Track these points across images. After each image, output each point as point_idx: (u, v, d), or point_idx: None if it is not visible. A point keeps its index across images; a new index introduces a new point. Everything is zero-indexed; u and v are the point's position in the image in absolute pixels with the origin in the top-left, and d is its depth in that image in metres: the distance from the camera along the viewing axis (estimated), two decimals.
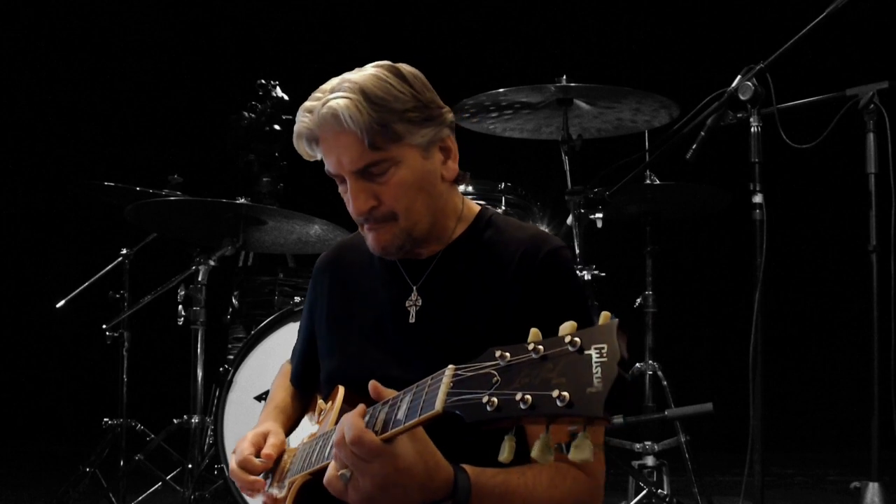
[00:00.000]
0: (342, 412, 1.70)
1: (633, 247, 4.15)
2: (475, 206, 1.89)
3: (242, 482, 1.79)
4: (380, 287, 1.87)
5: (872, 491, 2.92)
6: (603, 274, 3.65)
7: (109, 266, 4.16)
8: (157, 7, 6.58)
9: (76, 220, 6.45)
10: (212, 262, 3.62)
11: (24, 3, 6.59)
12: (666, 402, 3.73)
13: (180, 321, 3.64)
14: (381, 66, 1.73)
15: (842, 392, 5.50)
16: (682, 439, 3.64)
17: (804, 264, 6.10)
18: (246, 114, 4.21)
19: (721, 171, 4.49)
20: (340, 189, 1.78)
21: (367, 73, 1.71)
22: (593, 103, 3.84)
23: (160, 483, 4.18)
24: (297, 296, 3.96)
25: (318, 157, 1.77)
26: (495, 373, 1.19)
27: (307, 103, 1.73)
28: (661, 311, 3.98)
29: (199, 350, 3.65)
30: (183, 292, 3.60)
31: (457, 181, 1.83)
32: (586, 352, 1.11)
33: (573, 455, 1.11)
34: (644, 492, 3.59)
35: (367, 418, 1.45)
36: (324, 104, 1.68)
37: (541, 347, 1.16)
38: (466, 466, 1.53)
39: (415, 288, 1.82)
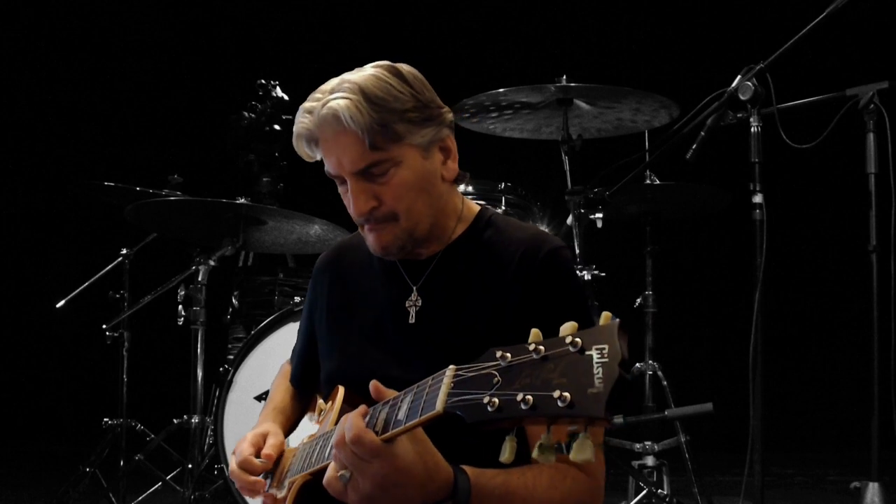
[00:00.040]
0: (342, 412, 1.70)
1: (633, 247, 4.15)
2: (475, 206, 1.89)
3: (243, 483, 1.79)
4: (380, 287, 1.87)
5: (872, 491, 2.92)
6: (603, 274, 3.65)
7: (109, 266, 4.16)
8: (157, 7, 6.58)
9: (76, 220, 6.45)
10: (212, 262, 3.62)
11: (24, 3, 6.59)
12: (666, 402, 3.73)
13: (180, 321, 3.64)
14: (381, 67, 1.73)
15: (842, 392, 5.50)
16: (682, 439, 3.64)
17: (804, 264, 6.10)
18: (246, 114, 4.21)
19: (721, 171, 4.49)
20: (340, 190, 1.78)
21: (366, 73, 1.71)
22: (593, 103, 3.84)
23: (160, 483, 4.18)
24: (297, 296, 3.96)
25: (318, 157, 1.77)
26: (496, 373, 1.19)
27: (306, 104, 1.72)
28: (661, 311, 3.98)
29: (199, 350, 3.65)
30: (183, 292, 3.60)
31: (456, 181, 1.82)
32: (587, 352, 1.11)
33: (575, 455, 1.11)
34: (644, 492, 3.59)
35: (367, 418, 1.45)
36: (324, 105, 1.68)
37: (542, 348, 1.16)
38: (466, 467, 1.53)
39: (415, 288, 1.82)
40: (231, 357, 3.69)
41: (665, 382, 3.79)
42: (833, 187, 5.70)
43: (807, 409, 5.97)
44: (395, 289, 1.84)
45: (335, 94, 1.67)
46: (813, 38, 2.87)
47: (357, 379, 1.70)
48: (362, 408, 1.46)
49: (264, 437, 1.85)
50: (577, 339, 1.12)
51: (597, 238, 3.72)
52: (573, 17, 6.35)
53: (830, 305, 6.04)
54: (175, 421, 3.80)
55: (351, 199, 1.74)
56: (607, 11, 6.28)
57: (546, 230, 3.39)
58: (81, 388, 6.47)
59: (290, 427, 1.97)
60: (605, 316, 1.14)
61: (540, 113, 3.92)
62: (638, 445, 3.80)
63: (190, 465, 3.56)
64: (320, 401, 1.89)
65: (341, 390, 1.78)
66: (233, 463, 1.81)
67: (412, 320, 1.80)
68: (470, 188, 3.64)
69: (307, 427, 1.89)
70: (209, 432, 3.61)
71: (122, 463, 4.04)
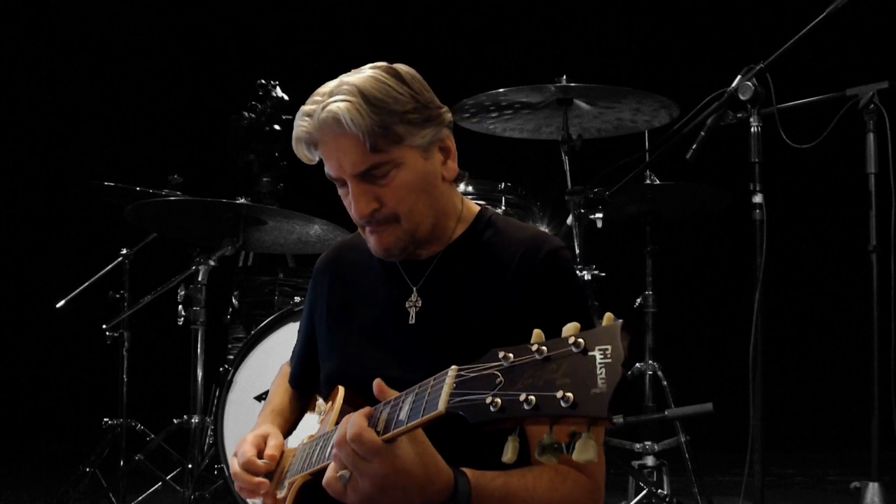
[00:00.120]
0: (342, 413, 1.70)
1: (633, 247, 4.15)
2: (475, 206, 1.89)
3: (247, 484, 1.78)
4: (380, 287, 1.87)
5: (872, 491, 2.92)
6: (603, 274, 3.65)
7: (109, 266, 4.16)
8: (157, 7, 6.58)
9: (76, 220, 6.45)
10: (212, 262, 3.62)
11: (24, 3, 6.59)
12: (666, 402, 3.73)
13: (180, 321, 3.64)
14: (379, 68, 1.73)
15: (842, 392, 5.50)
16: (682, 439, 3.64)
17: (804, 264, 6.10)
18: (246, 114, 4.21)
19: (721, 171, 4.49)
20: (341, 192, 1.78)
21: (365, 75, 1.70)
22: (593, 103, 3.84)
23: (160, 483, 4.18)
24: (297, 296, 3.96)
25: (318, 160, 1.77)
26: (499, 373, 1.19)
27: (306, 107, 1.72)
28: (661, 311, 3.98)
29: (199, 350, 3.65)
30: (183, 292, 3.60)
31: (456, 181, 1.82)
32: (590, 353, 1.11)
33: (577, 456, 1.11)
34: (644, 492, 3.59)
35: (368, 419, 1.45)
36: (323, 108, 1.67)
37: (544, 348, 1.16)
38: (466, 470, 1.53)
39: (415, 289, 1.82)
40: (231, 357, 3.69)
41: (665, 382, 3.79)
42: (833, 187, 5.70)
43: (807, 409, 5.97)
44: (395, 289, 1.84)
45: (335, 97, 1.67)
46: (813, 38, 2.87)
47: (357, 379, 1.70)
48: (367, 409, 1.46)
49: (265, 438, 1.85)
50: (580, 340, 1.12)
51: (597, 238, 3.72)
52: (573, 17, 6.35)
53: (830, 305, 6.04)
54: (175, 421, 3.80)
55: (352, 201, 1.73)
56: (607, 11, 6.28)
57: (546, 230, 3.41)
58: (81, 388, 6.47)
59: (288, 429, 1.97)
60: (608, 317, 1.14)
61: (540, 113, 3.92)
62: (638, 445, 3.80)
63: (190, 465, 3.56)
64: (320, 401, 1.89)
65: (341, 391, 1.78)
66: (234, 464, 1.80)
67: (412, 321, 1.80)
68: (470, 188, 3.64)
69: (307, 427, 1.89)
70: (209, 432, 3.61)
71: (122, 463, 4.04)
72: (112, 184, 4.10)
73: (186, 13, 6.54)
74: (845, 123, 2.98)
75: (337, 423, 1.65)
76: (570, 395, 1.10)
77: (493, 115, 3.93)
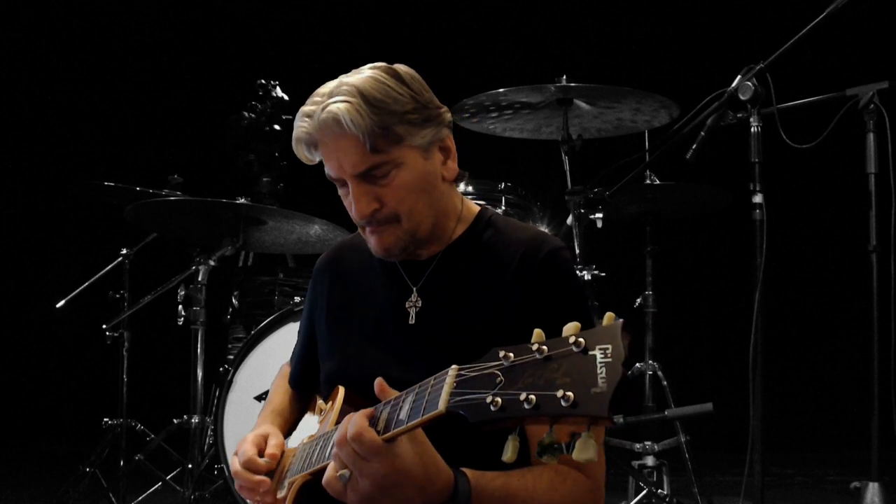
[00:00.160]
0: (342, 413, 1.70)
1: (633, 247, 4.15)
2: (475, 206, 1.89)
3: (248, 482, 1.78)
4: (380, 288, 1.87)
5: (872, 491, 2.92)
6: (603, 274, 3.65)
7: (109, 266, 4.16)
8: (157, 7, 6.58)
9: (76, 220, 6.45)
10: (212, 262, 3.62)
11: (24, 3, 6.59)
12: (666, 402, 3.73)
13: (180, 321, 3.64)
14: (378, 68, 1.73)
15: (842, 392, 5.50)
16: (682, 439, 3.64)
17: (804, 264, 6.10)
18: (246, 114, 4.21)
19: (721, 171, 4.49)
20: (341, 192, 1.78)
21: (364, 75, 1.71)
22: (593, 103, 3.84)
23: (160, 483, 4.18)
24: (297, 296, 3.96)
25: (318, 161, 1.77)
26: (499, 373, 1.19)
27: (305, 108, 1.72)
28: (661, 311, 3.98)
29: (199, 350, 3.65)
30: (183, 292, 3.60)
31: (456, 180, 1.82)
32: (590, 352, 1.11)
33: (577, 455, 1.11)
34: (644, 492, 3.59)
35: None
36: (323, 108, 1.67)
37: (545, 348, 1.16)
38: (467, 470, 1.53)
39: (415, 289, 1.82)
40: (231, 357, 3.69)
41: (665, 382, 3.79)
42: (833, 187, 5.71)
43: (807, 409, 5.97)
44: (395, 289, 1.84)
45: (334, 98, 1.67)
46: (813, 38, 2.87)
47: (357, 379, 1.70)
48: (369, 410, 1.46)
49: (265, 437, 1.85)
50: (581, 339, 1.12)
51: (597, 238, 3.72)
52: (573, 17, 6.35)
53: (830, 305, 6.05)
54: (175, 421, 3.80)
55: (352, 201, 1.73)
56: (607, 11, 6.29)
57: (546, 230, 3.41)
58: (81, 388, 6.47)
59: (288, 430, 1.97)
60: (609, 316, 1.14)
61: (540, 113, 3.92)
62: (638, 445, 3.80)
63: (190, 465, 3.56)
64: (320, 401, 1.89)
65: (341, 391, 1.78)
66: (235, 463, 1.80)
67: (412, 321, 1.80)
68: (470, 188, 3.65)
69: (307, 427, 1.89)
70: (209, 432, 3.61)
71: (122, 463, 4.03)
72: (112, 184, 4.10)
73: (186, 13, 6.54)
74: (845, 123, 2.98)
75: (337, 422, 1.65)
76: (570, 394, 1.10)
77: (493, 115, 3.93)
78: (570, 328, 1.16)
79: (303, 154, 1.77)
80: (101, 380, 4.90)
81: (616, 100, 3.79)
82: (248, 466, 1.78)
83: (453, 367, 1.29)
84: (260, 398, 3.45)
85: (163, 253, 4.49)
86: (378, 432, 1.40)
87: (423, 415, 1.31)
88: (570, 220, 3.69)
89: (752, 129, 2.86)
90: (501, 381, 1.18)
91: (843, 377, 5.53)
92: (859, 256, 3.02)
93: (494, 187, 3.69)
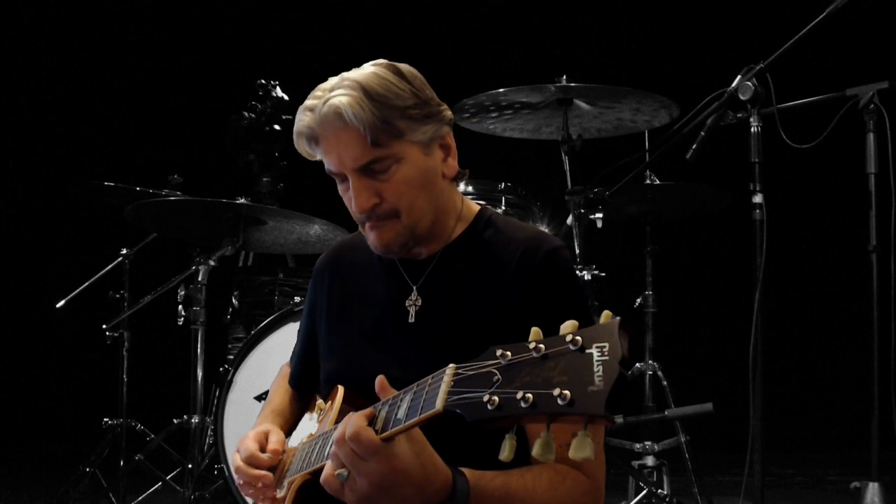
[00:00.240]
0: (342, 412, 1.70)
1: (633, 247, 4.16)
2: (475, 205, 1.89)
3: (249, 476, 1.78)
4: (379, 287, 1.87)
5: (872, 491, 2.92)
6: (603, 274, 3.65)
7: (109, 266, 4.16)
8: (157, 7, 6.59)
9: (76, 220, 6.45)
10: (212, 262, 3.62)
11: (24, 3, 6.59)
12: (666, 402, 3.73)
13: (180, 321, 3.64)
14: (380, 65, 1.74)
15: (842, 392, 5.50)
16: (682, 439, 3.64)
17: (804, 264, 6.10)
18: (246, 114, 4.21)
19: (721, 171, 4.49)
20: (340, 188, 1.78)
21: (366, 71, 1.71)
22: (593, 103, 3.84)
23: (160, 483, 4.18)
24: (297, 296, 3.96)
25: (318, 156, 1.77)
26: (496, 371, 1.19)
27: (307, 102, 1.73)
28: (661, 311, 3.98)
29: (199, 350, 3.65)
30: (183, 292, 3.61)
31: (456, 179, 1.83)
32: (587, 350, 1.11)
33: (574, 453, 1.11)
34: (644, 492, 3.59)
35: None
36: (325, 102, 1.68)
37: (542, 346, 1.16)
38: (465, 470, 1.52)
39: (414, 288, 1.82)
40: (231, 357, 3.69)
41: (665, 382, 3.79)
42: (833, 187, 5.70)
43: (807, 409, 5.97)
44: (395, 288, 1.84)
45: (336, 91, 1.68)
46: (813, 38, 2.87)
47: (357, 379, 1.70)
48: (369, 409, 1.46)
49: (266, 434, 1.86)
50: (578, 338, 1.12)
51: (597, 238, 3.72)
52: (573, 17, 6.35)
53: (830, 305, 6.04)
54: (175, 421, 3.80)
55: (352, 196, 1.73)
56: (607, 11, 6.29)
57: (546, 230, 3.41)
58: (81, 388, 6.47)
59: (288, 429, 1.97)
60: (606, 314, 1.14)
61: (540, 113, 3.92)
62: (638, 445, 3.80)
63: (190, 465, 3.56)
64: (320, 401, 1.89)
65: (341, 390, 1.78)
66: (237, 459, 1.81)
67: (412, 320, 1.80)
68: (470, 188, 3.65)
69: (307, 427, 1.89)
70: (209, 432, 3.61)
71: (122, 463, 4.04)
72: (112, 184, 4.10)
73: (186, 13, 6.54)
74: (845, 123, 2.98)
75: (336, 422, 1.65)
76: (567, 392, 1.09)
77: (493, 115, 3.93)
78: (568, 326, 1.16)
79: (303, 148, 1.77)
80: (101, 380, 4.90)
81: (616, 100, 3.79)
82: (250, 462, 1.78)
83: (451, 365, 1.29)
84: (260, 398, 3.45)
85: (163, 253, 4.49)
86: (376, 431, 1.40)
87: (420, 414, 1.30)
88: (570, 220, 3.69)
89: (752, 129, 2.86)
90: (499, 379, 1.18)
91: (843, 377, 5.53)
92: (859, 256, 3.02)
93: (494, 187, 3.69)
